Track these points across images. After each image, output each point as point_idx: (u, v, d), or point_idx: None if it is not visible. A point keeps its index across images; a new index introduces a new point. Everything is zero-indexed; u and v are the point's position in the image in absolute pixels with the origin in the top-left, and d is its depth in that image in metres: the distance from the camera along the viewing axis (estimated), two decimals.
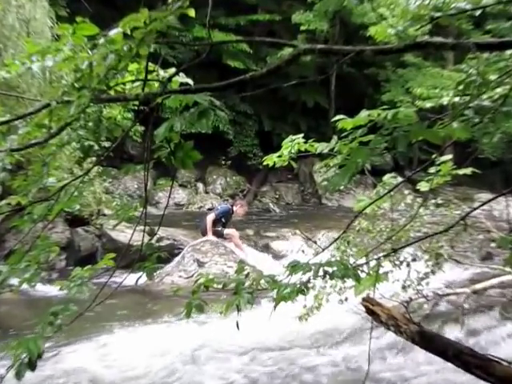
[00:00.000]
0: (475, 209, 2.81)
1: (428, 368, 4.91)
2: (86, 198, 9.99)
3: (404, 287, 5.51)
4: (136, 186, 16.10)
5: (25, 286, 2.59)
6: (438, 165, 3.71)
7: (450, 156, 3.78)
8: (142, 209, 3.09)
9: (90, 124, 2.36)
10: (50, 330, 2.32)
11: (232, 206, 10.71)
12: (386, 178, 4.57)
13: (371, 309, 2.62)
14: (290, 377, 4.95)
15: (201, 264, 9.30)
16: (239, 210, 10.55)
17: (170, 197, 3.99)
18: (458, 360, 2.43)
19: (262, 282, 2.92)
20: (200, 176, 17.99)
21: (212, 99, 2.09)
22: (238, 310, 2.75)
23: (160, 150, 2.29)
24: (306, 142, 3.55)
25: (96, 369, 5.16)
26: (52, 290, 8.27)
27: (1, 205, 2.89)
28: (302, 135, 3.59)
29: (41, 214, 2.56)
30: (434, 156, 3.22)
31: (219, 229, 10.12)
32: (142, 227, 2.88)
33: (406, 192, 5.77)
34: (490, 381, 2.35)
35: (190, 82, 2.65)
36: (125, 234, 9.74)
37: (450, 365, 3.03)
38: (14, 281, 3.06)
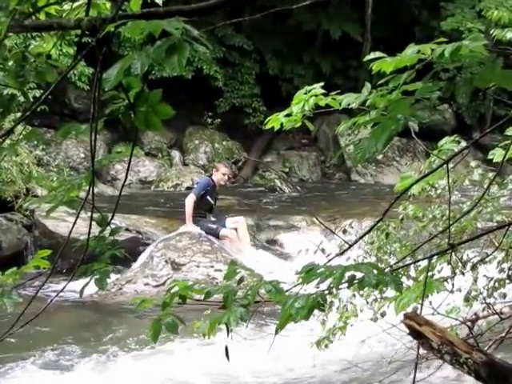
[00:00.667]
0: None
1: None
2: (10, 173, 10.01)
3: (468, 299, 5.55)
4: (82, 156, 16.12)
5: None
6: None
7: None
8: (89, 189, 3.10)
9: (11, 64, 2.35)
10: None
11: (211, 175, 10.80)
12: (444, 142, 4.57)
13: (417, 330, 2.64)
14: None
15: (176, 266, 9.35)
16: (217, 175, 10.63)
17: (128, 170, 3.99)
18: None
19: (263, 291, 2.95)
20: (176, 141, 17.97)
21: (188, 27, 2.08)
22: (228, 330, 2.79)
23: (114, 103, 2.28)
24: (327, 94, 3.55)
25: None
26: None
27: None
28: (322, 84, 3.59)
29: None
30: None
31: (213, 226, 10.17)
32: (89, 214, 2.89)
33: (473, 164, 5.76)
34: None
35: (159, 0, 2.65)
36: (66, 223, 9.78)
37: None
38: None
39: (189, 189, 15.85)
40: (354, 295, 5.74)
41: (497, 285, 5.61)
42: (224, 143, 17.89)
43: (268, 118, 3.70)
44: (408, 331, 2.71)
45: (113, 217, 2.98)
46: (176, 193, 15.43)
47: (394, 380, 5.61)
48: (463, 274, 5.46)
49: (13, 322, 2.57)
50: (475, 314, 5.72)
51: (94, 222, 2.84)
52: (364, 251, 5.86)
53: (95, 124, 2.38)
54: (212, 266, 9.31)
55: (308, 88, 3.54)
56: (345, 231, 6.66)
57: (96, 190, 2.74)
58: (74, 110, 16.53)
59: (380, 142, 2.25)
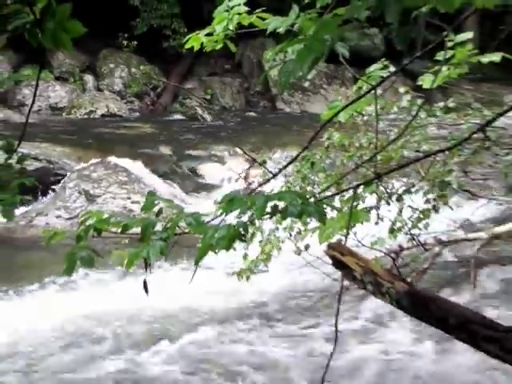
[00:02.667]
0: (501, 114, 2.86)
1: (419, 348, 5.19)
2: None
3: (392, 231, 5.68)
4: None
5: None
6: (452, 48, 3.73)
7: (470, 34, 3.81)
8: None
9: None
10: None
11: None
12: (373, 68, 4.60)
13: (341, 260, 2.69)
14: (222, 367, 5.11)
15: (91, 198, 9.28)
16: None
17: (36, 93, 3.87)
18: (462, 331, 2.55)
19: (182, 223, 2.96)
20: (89, 64, 17.60)
21: None
22: (146, 264, 2.79)
23: (18, 19, 2.21)
24: (251, 13, 3.50)
25: None
26: None
27: None
28: (244, 0, 3.53)
29: None
30: (444, 34, 3.24)
31: None
32: None
33: (402, 90, 5.82)
34: (507, 359, 2.50)
35: None
36: None
37: (452, 341, 3.20)
38: None
39: (104, 116, 15.66)
40: (277, 228, 5.82)
41: (422, 216, 5.75)
42: (141, 67, 17.59)
43: (187, 37, 3.63)
44: (331, 262, 2.76)
45: (20, 143, 2.92)
46: (90, 120, 15.19)
47: (318, 310, 5.76)
48: (388, 204, 5.57)
49: None
50: (399, 245, 5.88)
51: None
52: (287, 182, 5.92)
53: None
54: (129, 198, 9.27)
55: (230, 4, 3.47)
56: (264, 162, 6.67)
57: (1, 115, 2.66)
58: None
59: (306, 65, 2.24)
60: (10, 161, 2.85)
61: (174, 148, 11.98)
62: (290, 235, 5.65)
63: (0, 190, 2.79)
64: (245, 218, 2.83)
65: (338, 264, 2.74)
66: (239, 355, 5.24)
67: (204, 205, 9.42)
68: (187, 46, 3.73)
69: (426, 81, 4.02)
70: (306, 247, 5.44)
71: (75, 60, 17.11)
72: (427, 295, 2.67)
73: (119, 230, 3.02)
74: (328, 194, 3.70)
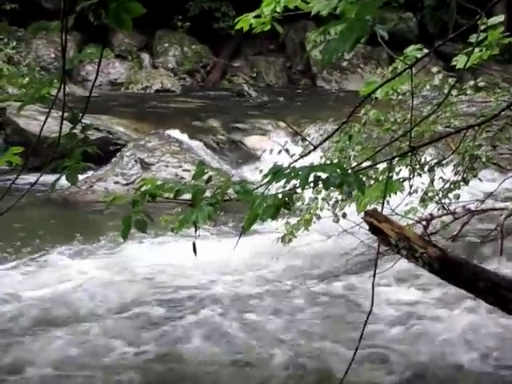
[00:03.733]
0: None
1: (450, 308, 5.14)
2: None
3: (424, 200, 5.62)
4: (53, 56, 15.72)
5: None
6: (484, 31, 3.64)
7: (501, 17, 3.71)
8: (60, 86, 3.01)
9: None
10: None
11: None
12: (408, 50, 4.51)
13: (377, 226, 2.67)
14: (269, 321, 5.11)
15: (146, 166, 9.32)
16: None
17: (99, 70, 3.89)
18: (491, 295, 2.52)
19: (231, 191, 2.94)
20: (146, 43, 17.60)
21: None
22: (196, 227, 2.78)
23: (84, 0, 2.20)
24: None
25: None
26: None
27: None
28: None
29: None
30: (477, 17, 3.16)
31: None
32: (60, 113, 2.82)
33: (435, 70, 5.71)
34: None
35: None
36: (38, 122, 9.60)
37: (480, 303, 3.16)
38: None
39: (158, 91, 15.68)
40: (316, 198, 5.79)
41: (452, 187, 5.68)
42: (193, 47, 17.56)
43: (238, 19, 3.59)
44: (368, 228, 2.73)
45: (83, 115, 2.92)
46: (145, 95, 15.24)
47: (355, 272, 5.73)
48: (420, 175, 5.51)
49: None
50: (430, 214, 5.82)
51: (65, 121, 2.78)
52: (327, 155, 5.86)
53: (65, 21, 2.30)
54: (180, 166, 9.29)
55: None
56: (309, 136, 6.60)
57: (67, 90, 2.65)
58: (43, 9, 15.98)
59: (348, 43, 2.19)
60: (74, 130, 2.86)
61: (222, 121, 11.95)
62: (328, 204, 5.62)
63: (65, 157, 2.81)
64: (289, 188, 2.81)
65: (374, 230, 2.71)
66: (281, 312, 5.25)
67: (249, 175, 9.44)
68: (237, 27, 3.69)
69: (459, 61, 3.94)
70: (344, 216, 5.41)
71: (133, 39, 17.14)
72: (458, 260, 2.64)
73: (171, 197, 3.03)
74: (365, 165, 3.65)
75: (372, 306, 2.62)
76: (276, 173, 2.69)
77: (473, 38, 3.64)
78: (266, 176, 2.80)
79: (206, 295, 5.59)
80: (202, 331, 4.84)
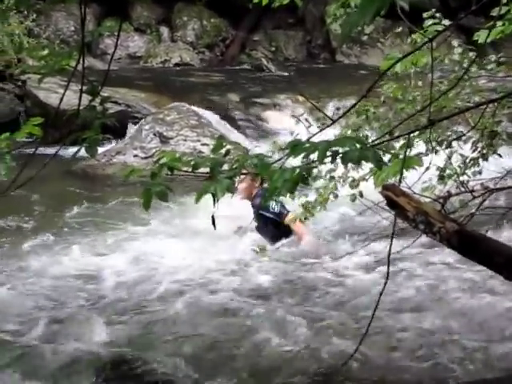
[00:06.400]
0: None
1: (467, 285, 5.14)
2: (1, 42, 9.75)
3: (442, 177, 5.57)
4: (72, 29, 15.70)
5: None
6: (506, 4, 3.59)
7: None
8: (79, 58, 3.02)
9: None
10: None
11: None
12: (428, 23, 4.47)
13: (394, 200, 2.66)
14: (289, 293, 5.14)
15: (164, 139, 9.34)
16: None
17: (117, 43, 3.88)
18: (509, 270, 2.52)
19: (249, 163, 2.94)
20: (164, 17, 17.51)
21: None
22: (215, 199, 2.80)
23: None
24: None
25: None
26: None
27: None
28: None
29: None
30: None
31: None
32: (80, 86, 2.82)
33: (456, 43, 5.63)
34: None
35: None
36: (57, 95, 9.65)
37: (497, 278, 3.15)
38: None
39: (177, 65, 15.65)
40: (332, 177, 5.75)
41: (470, 163, 5.63)
42: (212, 20, 17.46)
43: None
44: (386, 202, 2.73)
45: (103, 86, 2.93)
46: (164, 69, 15.21)
47: (372, 248, 5.73)
48: (436, 152, 5.45)
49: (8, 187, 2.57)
50: (448, 191, 5.76)
51: (84, 94, 2.79)
52: (345, 131, 5.82)
53: None
54: (199, 140, 9.30)
55: None
56: (327, 110, 6.55)
57: (86, 63, 2.66)
58: None
59: (368, 14, 2.16)
60: (93, 103, 2.87)
61: (241, 96, 11.92)
62: (344, 181, 5.59)
63: (85, 129, 2.82)
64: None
65: (391, 204, 2.71)
66: (301, 283, 5.28)
67: (266, 149, 9.42)
68: (256, 1, 3.67)
69: (481, 36, 3.90)
70: (361, 194, 5.38)
71: (152, 13, 17.07)
72: (476, 235, 2.63)
73: (189, 170, 3.04)
74: (383, 140, 3.63)
75: (387, 279, 2.62)
76: (295, 146, 2.69)
77: (495, 12, 3.58)
78: (283, 149, 2.79)
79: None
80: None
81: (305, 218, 5.72)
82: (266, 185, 5.44)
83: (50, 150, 3.76)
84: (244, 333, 4.48)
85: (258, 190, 6.13)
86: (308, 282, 5.37)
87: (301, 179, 2.70)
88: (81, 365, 4.06)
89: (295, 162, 2.68)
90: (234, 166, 2.95)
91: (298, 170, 2.73)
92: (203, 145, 9.14)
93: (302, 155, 2.73)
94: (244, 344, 4.32)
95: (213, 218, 3.64)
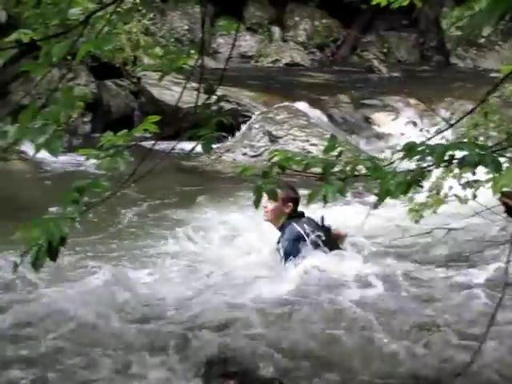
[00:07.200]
0: None
1: None
2: (119, 40, 10.07)
3: None
4: (186, 28, 16.03)
5: (41, 153, 2.67)
6: None
7: None
8: (196, 58, 3.08)
9: None
10: (74, 209, 2.43)
11: None
12: None
13: None
14: (400, 296, 5.05)
15: (273, 138, 9.39)
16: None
17: (234, 44, 3.86)
18: None
19: (361, 166, 2.92)
20: (276, 17, 17.61)
21: None
22: (325, 201, 2.79)
23: None
24: None
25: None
26: (72, 161, 8.73)
27: (6, 41, 2.95)
28: None
29: (61, 55, 2.59)
30: None
31: None
32: (195, 84, 2.88)
33: None
34: None
35: None
36: (171, 92, 9.87)
37: None
38: (27, 146, 3.19)
39: (287, 65, 15.72)
40: (445, 176, 5.62)
41: None
42: (324, 21, 17.42)
43: None
44: (504, 210, 2.64)
45: (219, 85, 2.97)
46: (275, 68, 15.30)
47: (485, 256, 5.53)
48: None
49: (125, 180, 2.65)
50: None
51: (194, 92, 2.84)
52: (460, 134, 5.68)
53: None
54: (307, 140, 9.30)
55: None
56: (440, 113, 6.41)
57: (199, 61, 2.71)
58: None
59: (494, 16, 2.09)
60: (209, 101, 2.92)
61: (350, 96, 11.84)
62: (459, 184, 5.45)
63: (197, 126, 2.87)
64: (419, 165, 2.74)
65: (510, 211, 2.62)
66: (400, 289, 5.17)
67: (376, 151, 9.31)
68: (374, 2, 3.64)
69: None
70: (474, 196, 5.23)
71: (264, 12, 17.19)
72: None
73: (300, 169, 3.04)
74: (500, 147, 3.51)
75: (503, 294, 2.53)
76: (410, 149, 2.65)
77: None
78: (396, 151, 2.75)
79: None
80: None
81: (416, 218, 5.61)
82: (293, 222, 5.26)
83: (162, 146, 3.87)
84: (354, 334, 4.44)
85: (287, 222, 5.42)
86: (422, 284, 5.25)
87: (415, 182, 2.66)
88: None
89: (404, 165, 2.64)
90: (347, 168, 2.93)
91: (411, 174, 2.69)
92: (312, 145, 9.14)
93: (417, 158, 2.68)
94: (355, 346, 4.28)
95: (322, 219, 3.64)
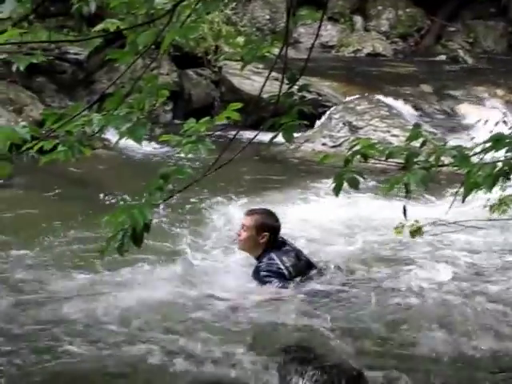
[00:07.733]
0: None
1: None
2: (201, 30, 10.18)
3: None
4: (268, 18, 16.07)
5: (124, 141, 2.73)
6: None
7: None
8: (278, 47, 3.09)
9: None
10: (158, 196, 2.49)
11: None
12: None
13: None
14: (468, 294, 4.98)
15: (354, 129, 9.33)
16: None
17: (318, 34, 3.88)
18: None
19: (445, 157, 2.87)
20: (359, 6, 17.43)
21: None
22: (407, 190, 2.76)
23: None
24: None
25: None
26: (155, 149, 8.91)
27: (93, 30, 3.03)
28: None
29: (147, 44, 2.65)
30: None
31: None
32: (274, 74, 2.89)
33: None
34: None
35: None
36: (251, 81, 9.94)
37: None
38: (110, 134, 3.28)
39: (369, 55, 15.54)
40: None
41: None
42: (407, 10, 17.12)
43: None
44: None
45: (301, 74, 2.98)
46: (356, 58, 15.16)
47: None
48: None
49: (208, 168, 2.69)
50: None
51: (274, 81, 2.86)
52: None
53: None
54: (388, 131, 9.21)
55: None
56: None
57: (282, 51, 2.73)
58: None
59: None
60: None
61: (434, 87, 11.63)
62: None
63: (277, 115, 2.88)
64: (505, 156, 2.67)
65: None
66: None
67: (460, 143, 9.11)
68: None
69: None
70: None
71: (347, 2, 17.03)
72: None
73: (382, 159, 3.01)
74: None
75: None
76: (497, 140, 2.59)
77: None
78: (484, 143, 2.70)
79: None
80: None
81: (503, 211, 5.49)
82: (272, 253, 4.82)
83: (246, 134, 3.90)
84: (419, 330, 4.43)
85: (268, 253, 4.85)
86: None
87: (503, 174, 2.60)
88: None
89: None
90: (431, 158, 2.88)
91: (500, 165, 2.63)
92: (393, 136, 9.03)
93: (506, 149, 2.62)
94: (415, 341, 4.28)
95: (404, 208, 3.60)
